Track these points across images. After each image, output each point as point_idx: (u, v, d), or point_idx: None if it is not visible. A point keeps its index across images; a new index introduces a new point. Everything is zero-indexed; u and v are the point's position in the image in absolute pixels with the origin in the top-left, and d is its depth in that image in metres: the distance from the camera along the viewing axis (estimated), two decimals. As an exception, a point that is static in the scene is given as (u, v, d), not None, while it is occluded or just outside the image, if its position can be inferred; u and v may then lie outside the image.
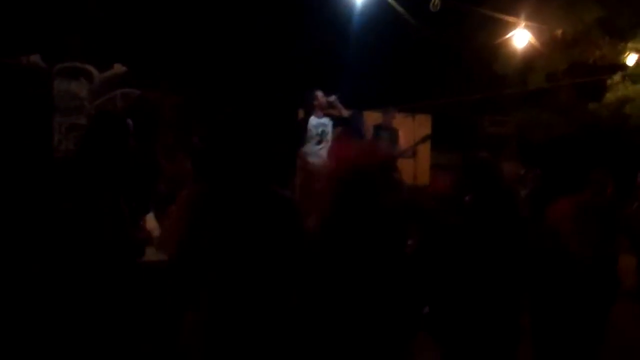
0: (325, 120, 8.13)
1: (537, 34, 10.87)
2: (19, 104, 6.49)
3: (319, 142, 8.05)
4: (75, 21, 9.05)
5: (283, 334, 2.74)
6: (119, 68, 7.72)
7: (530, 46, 10.93)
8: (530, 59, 11.78)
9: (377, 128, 9.16)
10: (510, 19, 10.56)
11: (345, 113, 8.44)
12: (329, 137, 8.09)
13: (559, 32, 11.28)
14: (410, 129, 9.66)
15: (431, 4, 8.99)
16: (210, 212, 2.68)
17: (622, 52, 11.20)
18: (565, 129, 11.72)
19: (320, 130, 8.06)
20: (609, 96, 11.48)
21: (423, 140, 9.32)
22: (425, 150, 9.78)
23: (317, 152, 7.98)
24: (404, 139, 9.41)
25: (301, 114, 8.64)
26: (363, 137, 9.17)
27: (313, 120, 8.04)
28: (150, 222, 6.69)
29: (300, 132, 8.02)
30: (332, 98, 8.24)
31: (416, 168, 9.50)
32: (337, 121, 8.26)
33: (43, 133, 6.56)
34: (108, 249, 3.68)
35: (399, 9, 9.12)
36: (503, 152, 10.20)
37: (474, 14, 10.74)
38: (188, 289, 2.68)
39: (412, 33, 10.32)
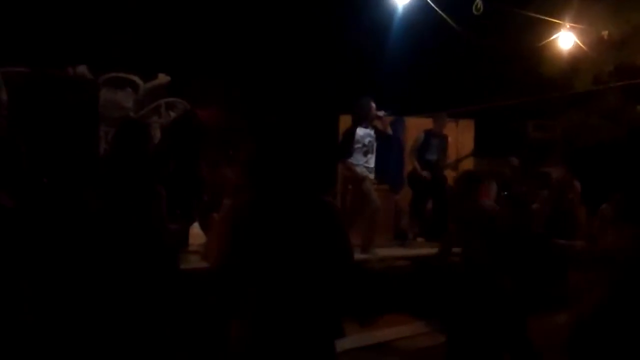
0: (371, 131, 7.99)
1: (583, 35, 10.72)
2: (66, 114, 6.61)
3: (366, 154, 7.90)
4: (121, 32, 9.19)
5: (329, 343, 2.73)
6: (163, 78, 7.84)
7: (576, 48, 10.78)
8: (576, 62, 11.60)
9: (428, 134, 8.98)
10: (555, 20, 10.43)
11: (390, 131, 8.35)
12: (374, 148, 7.98)
13: (605, 33, 11.07)
14: (454, 134, 9.55)
15: (474, 7, 8.93)
16: (258, 221, 2.69)
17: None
18: (613, 133, 11.50)
19: (367, 140, 7.92)
20: (658, 98, 11.27)
21: (470, 154, 9.26)
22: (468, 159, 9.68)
23: (364, 164, 7.86)
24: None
25: (347, 121, 8.57)
26: (402, 145, 9.08)
27: (360, 130, 7.89)
28: (195, 230, 6.77)
29: (348, 142, 7.89)
30: (382, 113, 8.12)
31: (458, 174, 9.41)
32: (379, 135, 8.13)
33: (89, 143, 6.67)
34: (132, 250, 3.79)
35: (441, 12, 9.04)
36: (548, 158, 10.07)
37: (518, 16, 10.61)
38: (234, 298, 2.68)
39: (454, 37, 10.22)
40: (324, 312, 2.70)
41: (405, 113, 9.82)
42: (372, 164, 7.94)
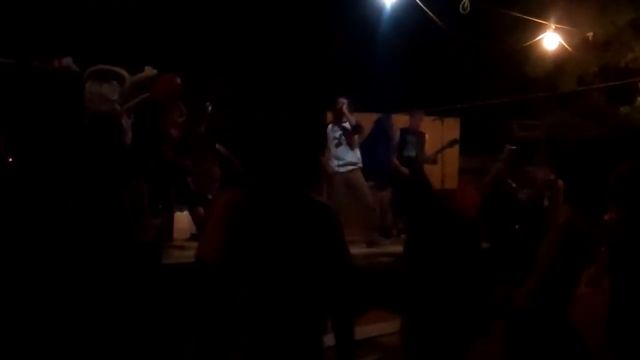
0: (341, 125, 8.39)
1: (568, 36, 10.81)
2: (49, 107, 6.53)
3: (338, 145, 8.33)
4: (107, 24, 9.14)
5: (318, 340, 2.73)
6: (149, 71, 7.74)
7: (561, 49, 10.86)
8: (561, 62, 11.70)
9: (404, 131, 9.15)
10: (540, 21, 10.50)
11: (353, 120, 8.49)
12: (349, 140, 8.32)
13: (590, 34, 11.17)
14: (439, 133, 9.60)
15: (460, 6, 8.97)
16: (251, 217, 2.69)
17: (655, 54, 11.07)
18: (597, 133, 11.59)
19: (337, 134, 8.36)
20: (641, 99, 11.35)
21: (449, 144, 9.28)
22: (453, 154, 9.71)
23: (338, 154, 8.33)
24: (432, 143, 9.37)
25: (330, 117, 8.72)
26: (390, 140, 9.15)
27: (330, 125, 8.46)
28: (183, 221, 6.73)
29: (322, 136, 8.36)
30: (341, 102, 8.38)
31: (444, 172, 9.45)
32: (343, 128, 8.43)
33: (74, 136, 6.60)
34: (107, 246, 3.74)
35: (429, 12, 9.07)
36: (534, 157, 10.11)
37: (504, 16, 10.67)
38: (228, 293, 2.68)
39: (441, 36, 10.25)
40: (314, 310, 2.70)
41: (392, 111, 9.83)
42: (347, 155, 8.32)
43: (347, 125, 8.31)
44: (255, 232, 2.66)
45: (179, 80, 6.45)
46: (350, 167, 8.33)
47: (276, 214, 2.68)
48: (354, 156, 8.36)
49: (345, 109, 8.30)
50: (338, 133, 8.33)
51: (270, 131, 2.74)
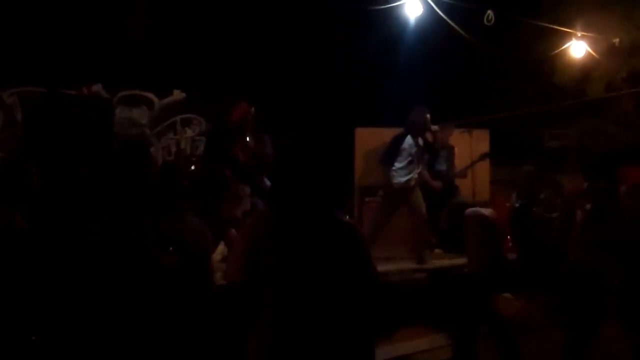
0: (419, 142, 8.02)
1: (594, 43, 10.72)
2: (80, 134, 6.64)
3: (411, 162, 7.90)
4: (136, 49, 9.24)
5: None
6: (178, 94, 7.89)
7: (588, 56, 10.78)
8: (589, 70, 11.60)
9: None
10: (566, 30, 10.44)
11: (439, 148, 8.42)
12: (420, 159, 8.07)
13: (616, 40, 11.06)
14: (468, 145, 9.52)
15: (485, 18, 8.94)
16: (276, 239, 2.68)
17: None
18: (628, 139, 11.45)
19: (413, 150, 7.92)
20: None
21: (480, 158, 9.21)
22: (484, 166, 9.64)
23: (408, 171, 7.89)
24: (462, 155, 9.32)
25: (363, 134, 8.62)
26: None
27: (409, 139, 7.89)
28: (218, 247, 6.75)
29: (394, 149, 7.88)
30: (436, 128, 8.22)
31: (475, 184, 9.37)
32: (428, 148, 8.21)
33: (104, 163, 6.70)
34: (127, 270, 3.78)
35: (453, 24, 9.05)
36: (564, 166, 10.02)
37: (529, 26, 10.63)
38: (253, 314, 2.67)
39: (467, 48, 10.22)
40: (344, 333, 2.67)
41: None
42: (414, 172, 7.95)
43: (420, 142, 8.04)
44: (279, 254, 2.65)
45: (253, 109, 6.69)
46: (413, 183, 8.03)
47: (300, 234, 2.68)
48: (417, 173, 8.09)
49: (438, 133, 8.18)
50: (414, 150, 7.92)
51: (296, 151, 2.75)
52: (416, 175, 7.98)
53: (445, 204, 8.80)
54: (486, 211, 5.93)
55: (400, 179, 7.83)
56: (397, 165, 7.83)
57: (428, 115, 7.99)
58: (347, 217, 3.22)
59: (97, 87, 7.37)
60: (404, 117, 8.14)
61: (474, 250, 5.83)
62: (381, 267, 7.09)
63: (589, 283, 5.28)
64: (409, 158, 7.86)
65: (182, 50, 10.11)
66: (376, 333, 2.88)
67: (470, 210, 5.90)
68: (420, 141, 8.00)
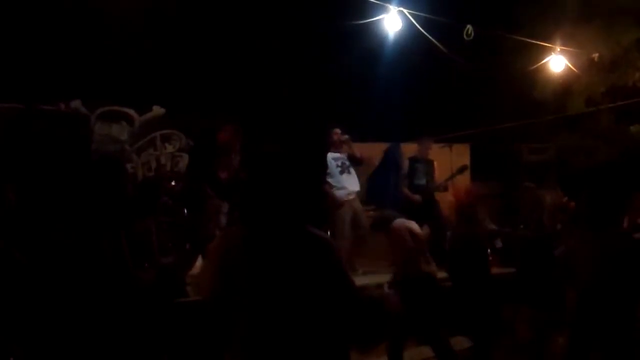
0: (342, 155, 8.50)
1: (574, 58, 10.80)
2: (56, 150, 6.60)
3: (342, 172, 8.35)
4: (115, 65, 9.22)
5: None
6: (157, 110, 7.85)
7: (568, 71, 10.85)
8: (568, 84, 11.67)
9: (413, 160, 9.18)
10: (546, 44, 10.51)
11: (358, 153, 8.66)
12: (351, 169, 8.45)
13: (595, 55, 11.16)
14: (448, 160, 9.56)
15: (465, 33, 9.00)
16: (246, 256, 2.66)
17: (662, 73, 11.03)
18: (607, 154, 11.52)
19: (340, 162, 8.38)
20: (650, 119, 11.29)
21: (459, 171, 9.24)
22: (464, 180, 9.66)
23: (344, 183, 8.33)
24: (442, 170, 9.35)
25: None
26: (400, 169, 9.14)
27: (330, 154, 8.39)
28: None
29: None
30: (345, 137, 8.55)
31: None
32: (351, 158, 8.58)
33: (81, 179, 6.65)
34: (101, 286, 3.75)
35: (432, 39, 9.10)
36: (544, 180, 10.05)
37: (508, 40, 10.70)
38: (224, 331, 2.65)
39: (446, 62, 10.28)
40: (318, 348, 2.65)
41: (400, 140, 9.83)
42: (352, 184, 8.39)
43: (344, 155, 8.50)
44: (250, 270, 2.63)
45: (241, 130, 6.84)
46: (353, 196, 8.44)
47: (271, 250, 2.65)
48: (356, 184, 8.49)
49: (342, 138, 8.48)
50: (340, 161, 8.40)
51: (265, 167, 2.73)
52: (354, 187, 8.45)
53: (425, 217, 8.85)
54: (411, 223, 6.25)
55: (341, 192, 8.31)
56: (336, 178, 8.34)
57: (335, 130, 8.56)
58: (326, 230, 3.20)
59: (76, 103, 7.32)
60: (383, 132, 8.24)
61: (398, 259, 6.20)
62: (360, 281, 7.14)
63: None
64: (338, 169, 8.38)
65: (161, 66, 10.11)
66: (352, 346, 2.86)
67: (398, 221, 6.22)
68: (341, 154, 8.51)
